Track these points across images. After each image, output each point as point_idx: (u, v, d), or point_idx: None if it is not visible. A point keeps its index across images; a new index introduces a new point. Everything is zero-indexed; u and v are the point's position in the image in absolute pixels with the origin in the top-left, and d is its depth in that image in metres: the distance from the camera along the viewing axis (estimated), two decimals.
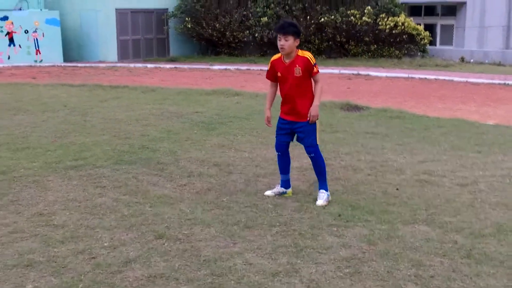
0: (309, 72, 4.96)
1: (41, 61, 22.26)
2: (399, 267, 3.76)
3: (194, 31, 23.28)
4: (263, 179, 5.83)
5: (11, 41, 22.13)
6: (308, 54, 4.98)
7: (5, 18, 21.98)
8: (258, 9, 22.75)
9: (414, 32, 21.86)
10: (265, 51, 23.18)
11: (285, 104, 5.09)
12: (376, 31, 21.81)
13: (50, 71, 19.11)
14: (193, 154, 6.83)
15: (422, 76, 16.58)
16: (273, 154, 6.60)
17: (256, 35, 22.71)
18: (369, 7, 21.62)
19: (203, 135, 7.98)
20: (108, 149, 7.07)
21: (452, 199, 5.19)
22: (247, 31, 22.91)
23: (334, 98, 11.25)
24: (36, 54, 22.42)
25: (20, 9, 23.44)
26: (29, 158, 6.66)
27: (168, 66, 20.53)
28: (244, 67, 19.63)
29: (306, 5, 22.36)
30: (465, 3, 24.63)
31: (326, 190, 5.12)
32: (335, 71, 17.90)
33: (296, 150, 6.32)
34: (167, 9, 24.00)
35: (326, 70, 16.95)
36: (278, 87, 5.17)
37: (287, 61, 4.99)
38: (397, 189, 5.50)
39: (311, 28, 21.95)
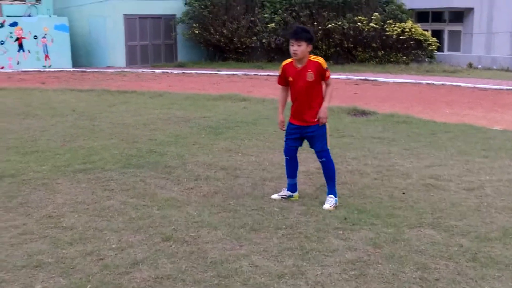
0: (322, 76, 5.01)
1: (50, 66, 22.43)
2: (405, 270, 3.78)
3: (202, 37, 23.36)
4: (270, 182, 5.86)
5: (21, 46, 22.35)
6: (320, 59, 5.03)
7: (15, 24, 22.21)
8: (265, 15, 22.82)
9: (422, 38, 21.82)
10: (272, 57, 23.24)
11: (295, 109, 5.13)
12: (384, 37, 21.78)
13: (59, 76, 19.25)
14: (200, 158, 6.88)
15: (430, 82, 16.51)
16: (279, 158, 6.64)
17: (264, 41, 22.76)
18: (376, 13, 21.62)
19: (210, 139, 8.02)
20: (116, 153, 7.13)
21: (458, 203, 5.20)
22: (255, 37, 22.97)
23: (341, 103, 11.25)
24: (45, 59, 22.61)
25: (30, 15, 23.67)
26: (38, 161, 6.73)
27: (175, 71, 20.61)
28: (251, 73, 19.67)
29: (314, 11, 22.37)
30: (472, 9, 24.62)
31: (335, 195, 5.14)
32: (342, 76, 17.90)
33: (303, 155, 6.34)
34: (175, 15, 24.11)
35: (333, 76, 16.44)
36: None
37: (299, 66, 5.02)
38: (403, 193, 5.51)
39: (319, 34, 21.93)
